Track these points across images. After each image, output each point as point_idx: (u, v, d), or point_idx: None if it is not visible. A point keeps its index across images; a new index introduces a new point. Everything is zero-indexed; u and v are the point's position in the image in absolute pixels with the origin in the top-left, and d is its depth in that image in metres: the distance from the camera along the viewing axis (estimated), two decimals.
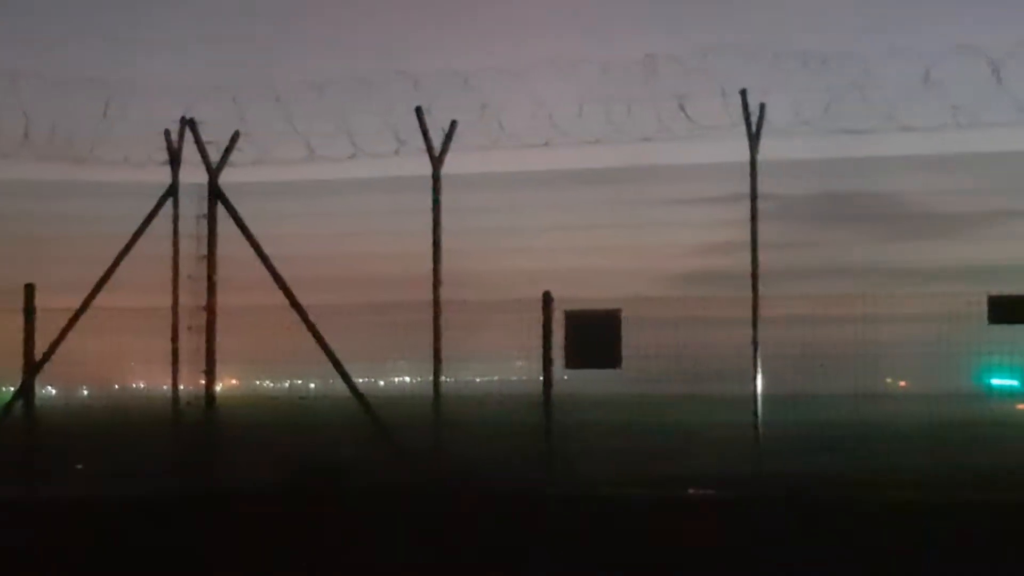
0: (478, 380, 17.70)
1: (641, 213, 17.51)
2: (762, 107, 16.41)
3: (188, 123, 17.64)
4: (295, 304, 16.96)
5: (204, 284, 17.26)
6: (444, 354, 16.69)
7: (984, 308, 15.58)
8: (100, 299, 17.28)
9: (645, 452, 15.65)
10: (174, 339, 17.41)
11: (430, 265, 16.88)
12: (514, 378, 16.82)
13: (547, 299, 16.31)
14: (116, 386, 18.39)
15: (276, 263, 17.13)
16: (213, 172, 17.47)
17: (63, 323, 17.17)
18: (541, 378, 16.15)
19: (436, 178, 17.13)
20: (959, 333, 15.56)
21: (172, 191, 17.64)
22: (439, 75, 17.13)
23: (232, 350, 17.42)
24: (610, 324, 16.32)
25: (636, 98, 16.58)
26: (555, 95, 16.79)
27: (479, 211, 17.29)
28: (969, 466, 14.10)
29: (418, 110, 17.09)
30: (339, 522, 11.69)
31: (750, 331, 16.08)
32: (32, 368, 17.10)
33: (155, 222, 17.55)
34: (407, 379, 18.26)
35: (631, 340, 16.35)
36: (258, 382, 18.53)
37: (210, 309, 17.22)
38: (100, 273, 17.28)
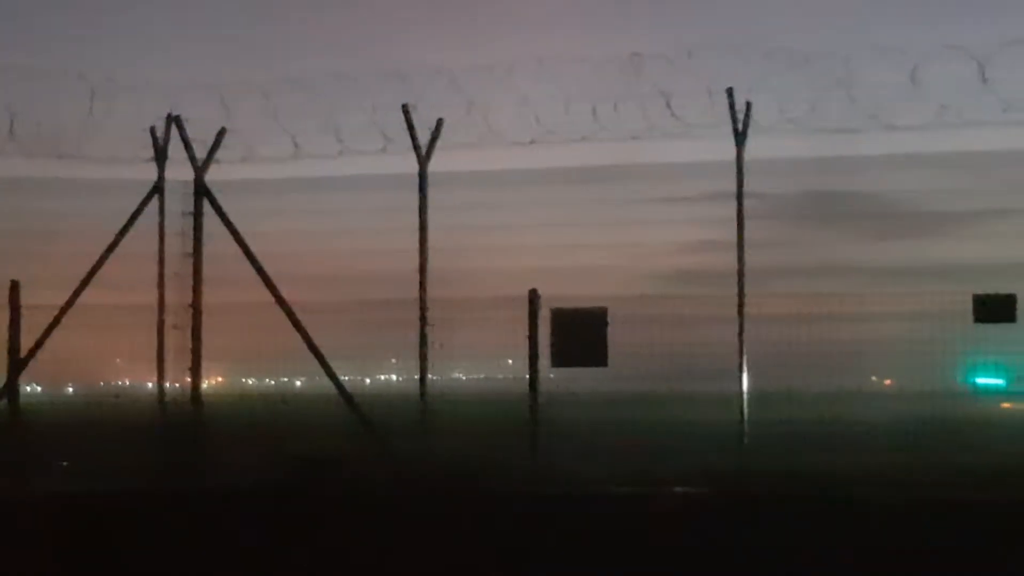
0: (464, 378, 17.71)
1: (627, 211, 17.54)
2: (748, 106, 16.44)
3: (174, 120, 17.62)
4: (281, 301, 16.94)
5: (190, 281, 17.25)
6: (431, 352, 16.69)
7: (969, 307, 15.64)
8: (86, 296, 17.26)
9: (630, 450, 15.63)
10: (160, 336, 17.39)
11: (417, 263, 16.88)
12: (500, 376, 16.83)
13: (533, 297, 16.30)
14: (101, 383, 18.34)
15: (262, 260, 17.11)
16: (199, 169, 17.45)
17: (49, 320, 17.14)
18: (527, 376, 16.14)
19: (423, 176, 17.13)
20: (944, 332, 15.61)
21: (158, 188, 17.62)
22: (426, 73, 17.16)
23: (218, 347, 17.40)
24: (596, 322, 16.33)
25: (622, 96, 16.62)
26: (542, 93, 16.82)
27: (466, 209, 17.31)
28: (953, 465, 14.12)
29: (405, 108, 17.08)
30: (322, 520, 11.67)
31: (736, 329, 16.12)
32: (17, 365, 17.06)
33: (141, 219, 17.53)
34: (393, 377, 18.26)
35: (617, 338, 16.38)
36: (244, 380, 18.49)
37: (196, 306, 17.20)
38: (86, 270, 17.26)
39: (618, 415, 17.33)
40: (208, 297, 17.26)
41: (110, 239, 17.34)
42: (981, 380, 16.44)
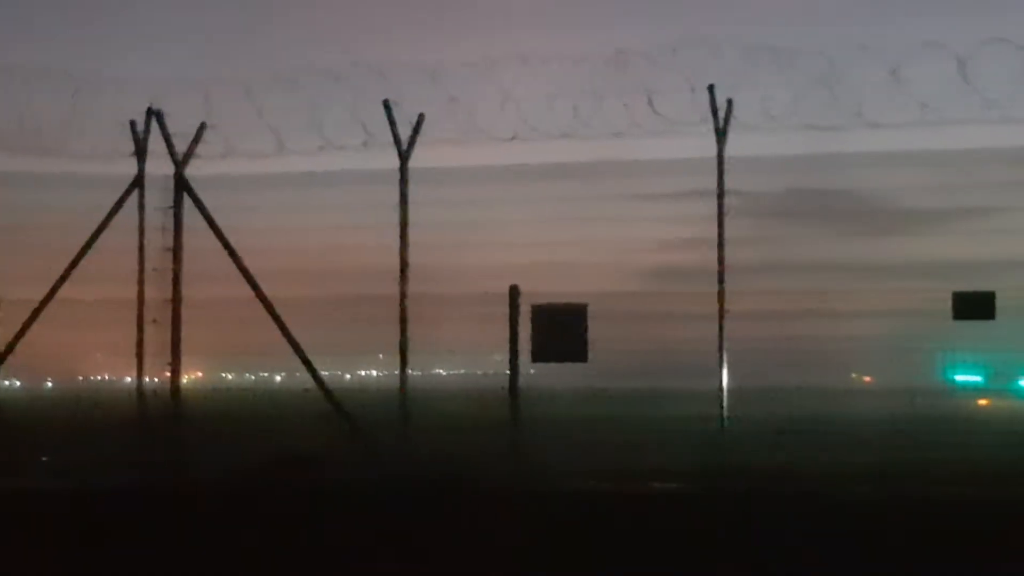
0: (445, 374, 17.69)
1: (609, 208, 17.53)
2: (729, 103, 16.45)
3: (154, 114, 17.55)
4: (261, 296, 16.89)
5: (169, 276, 17.18)
6: (411, 347, 16.67)
7: (949, 304, 15.65)
8: (64, 291, 17.20)
9: (610, 446, 15.62)
10: (139, 331, 17.32)
11: (398, 258, 16.85)
12: (479, 372, 16.80)
13: (514, 293, 16.26)
14: (80, 378, 18.30)
15: (243, 256, 17.06)
16: (179, 163, 17.39)
17: (27, 315, 17.07)
18: (508, 371, 16.12)
19: (404, 171, 17.10)
20: (924, 329, 15.64)
21: (138, 182, 17.54)
22: (408, 68, 17.10)
23: (197, 342, 17.35)
24: (577, 318, 16.30)
25: (605, 93, 16.60)
26: (524, 89, 16.81)
27: (447, 204, 17.27)
28: (929, 461, 14.13)
29: (386, 103, 17.05)
30: (300, 515, 11.65)
31: (716, 326, 16.12)
32: None
33: (121, 214, 17.45)
34: (374, 373, 18.23)
35: (598, 334, 16.36)
36: (223, 374, 18.45)
37: (175, 301, 17.14)
38: (65, 265, 17.19)
39: (598, 411, 17.32)
40: (188, 292, 17.21)
41: (89, 234, 17.27)
42: (960, 377, 16.46)
